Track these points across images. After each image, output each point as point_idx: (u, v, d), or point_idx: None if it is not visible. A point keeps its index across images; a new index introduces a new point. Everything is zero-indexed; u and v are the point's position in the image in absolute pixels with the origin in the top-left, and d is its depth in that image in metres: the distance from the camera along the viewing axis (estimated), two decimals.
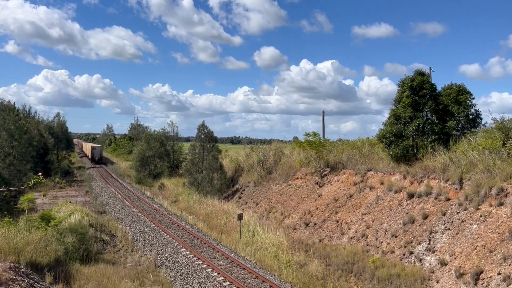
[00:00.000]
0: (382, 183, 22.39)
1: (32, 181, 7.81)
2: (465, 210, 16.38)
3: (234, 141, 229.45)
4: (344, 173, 26.54)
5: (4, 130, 34.42)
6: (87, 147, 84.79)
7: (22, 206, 19.40)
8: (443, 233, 16.35)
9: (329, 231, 22.22)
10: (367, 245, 19.06)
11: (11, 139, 34.20)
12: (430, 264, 15.51)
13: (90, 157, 78.94)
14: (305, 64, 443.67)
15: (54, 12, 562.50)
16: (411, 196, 19.72)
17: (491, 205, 15.53)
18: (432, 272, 15.02)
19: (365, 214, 21.28)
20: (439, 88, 23.14)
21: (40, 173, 8.41)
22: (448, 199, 17.74)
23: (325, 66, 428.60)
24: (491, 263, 13.35)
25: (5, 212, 21.62)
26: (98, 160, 76.30)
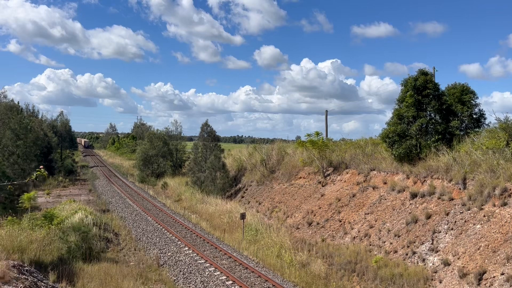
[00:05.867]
0: (385, 183, 22.35)
1: (35, 174, 7.86)
2: (469, 210, 16.32)
3: (237, 140, 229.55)
4: (347, 173, 26.51)
5: (9, 129, 34.60)
6: (82, 140, 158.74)
7: (24, 205, 19.48)
8: (446, 233, 16.30)
9: (332, 231, 22.20)
10: (370, 245, 19.04)
11: (15, 138, 34.37)
12: (433, 264, 15.47)
13: (83, 145, 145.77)
14: (306, 63, 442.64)
15: (55, 11, 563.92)
16: (414, 196, 19.67)
17: (494, 205, 15.47)
18: (435, 272, 14.99)
19: (368, 213, 21.25)
20: (442, 87, 23.09)
21: (41, 166, 8.44)
22: (451, 199, 17.69)
23: (326, 66, 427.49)
24: (495, 263, 13.30)
25: (10, 211, 21.74)
26: (88, 147, 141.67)
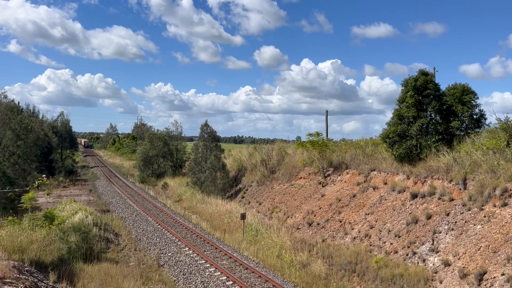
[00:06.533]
0: (385, 183, 22.35)
1: (37, 183, 7.94)
2: (469, 210, 16.32)
3: (237, 140, 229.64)
4: (348, 173, 26.51)
5: (9, 129, 34.62)
6: (82, 140, 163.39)
7: (25, 205, 19.51)
8: (446, 234, 16.30)
9: (332, 231, 22.20)
10: (370, 245, 19.03)
11: (16, 139, 34.38)
12: (433, 265, 15.47)
13: (83, 145, 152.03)
14: (306, 63, 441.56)
15: (55, 11, 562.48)
16: (414, 196, 19.67)
17: (495, 206, 15.46)
18: (436, 273, 14.99)
19: (368, 214, 21.25)
20: (442, 88, 23.09)
21: (44, 175, 8.51)
22: (451, 200, 17.68)
23: (326, 66, 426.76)
24: (495, 264, 13.30)
25: (10, 211, 21.75)
26: (87, 147, 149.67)
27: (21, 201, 19.84)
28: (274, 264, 19.29)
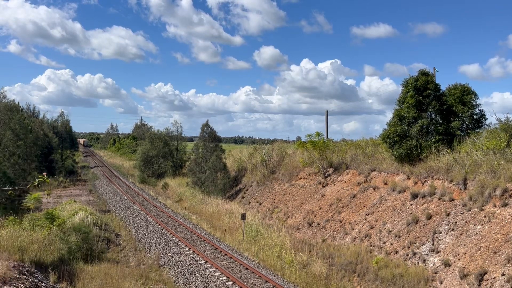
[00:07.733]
0: (385, 183, 22.34)
1: (37, 180, 7.92)
2: (469, 210, 16.32)
3: (238, 140, 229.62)
4: (348, 173, 26.51)
5: (9, 129, 34.63)
6: (81, 140, 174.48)
7: (29, 204, 19.52)
8: (447, 234, 16.30)
9: (333, 231, 22.20)
10: (371, 245, 19.03)
11: (16, 139, 34.40)
12: (433, 265, 15.46)
13: (83, 144, 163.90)
14: (305, 63, 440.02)
15: (55, 12, 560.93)
16: (414, 196, 19.67)
17: (495, 206, 15.46)
18: (436, 273, 14.98)
19: (368, 214, 21.24)
20: (443, 88, 23.09)
21: (44, 173, 8.49)
22: (452, 200, 17.68)
23: (326, 66, 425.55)
24: (495, 264, 13.30)
25: (10, 211, 21.75)
26: (86, 146, 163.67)
27: (24, 200, 19.84)
28: (274, 264, 19.29)
